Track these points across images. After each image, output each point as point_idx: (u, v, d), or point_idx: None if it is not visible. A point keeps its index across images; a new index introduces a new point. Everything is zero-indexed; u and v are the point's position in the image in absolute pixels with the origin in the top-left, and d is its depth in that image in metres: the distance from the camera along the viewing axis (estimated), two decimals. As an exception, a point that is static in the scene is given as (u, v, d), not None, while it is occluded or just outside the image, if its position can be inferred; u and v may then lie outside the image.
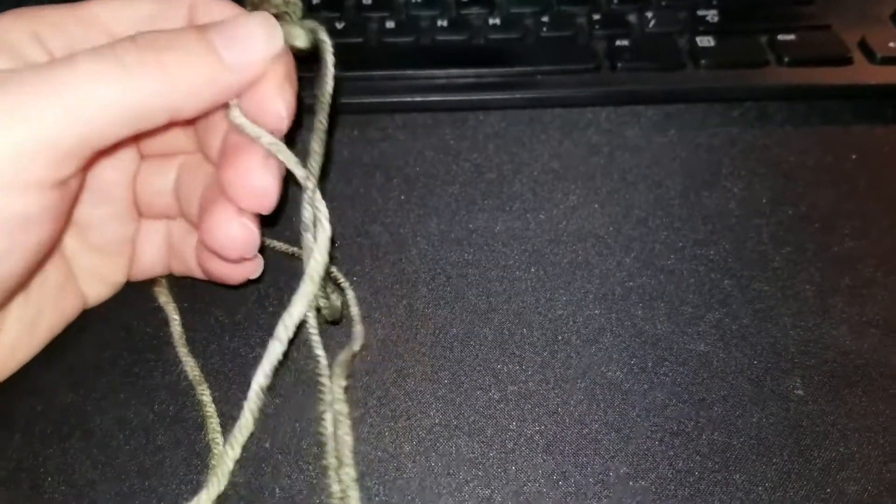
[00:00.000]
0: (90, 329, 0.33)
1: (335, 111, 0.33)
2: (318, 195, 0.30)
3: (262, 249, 0.33)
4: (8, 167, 0.23)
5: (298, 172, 0.30)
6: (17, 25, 0.26)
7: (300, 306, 0.28)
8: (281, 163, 0.29)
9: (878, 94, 0.42)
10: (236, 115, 0.29)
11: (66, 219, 0.28)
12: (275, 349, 0.28)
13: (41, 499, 0.28)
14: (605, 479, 0.28)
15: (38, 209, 0.25)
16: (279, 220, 0.36)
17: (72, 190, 0.26)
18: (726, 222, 0.37)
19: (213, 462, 0.28)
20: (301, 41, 0.29)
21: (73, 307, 0.32)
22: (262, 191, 0.29)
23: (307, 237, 0.29)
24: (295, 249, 0.35)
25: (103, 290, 0.33)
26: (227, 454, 0.28)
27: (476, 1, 0.46)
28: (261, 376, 0.28)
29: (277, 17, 0.29)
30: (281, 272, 0.35)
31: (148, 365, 0.32)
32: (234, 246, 0.30)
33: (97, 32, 0.28)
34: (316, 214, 0.29)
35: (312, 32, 0.30)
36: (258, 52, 0.28)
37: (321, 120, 0.30)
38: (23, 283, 0.29)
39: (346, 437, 0.28)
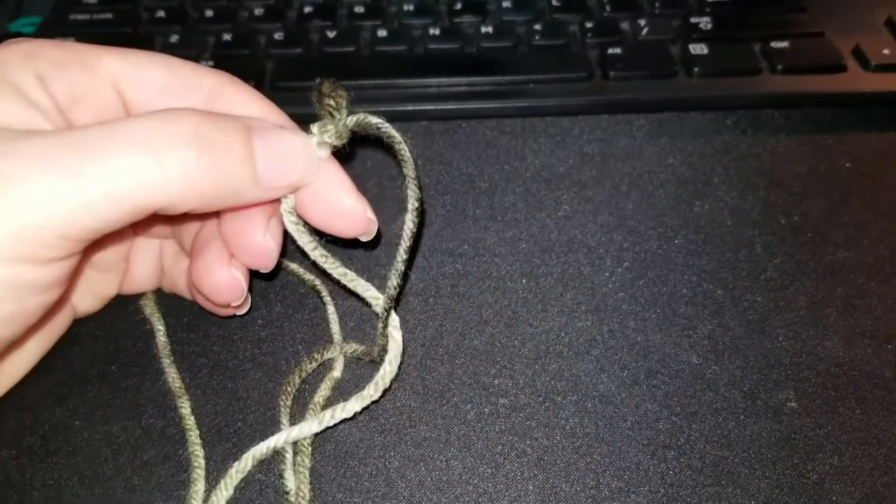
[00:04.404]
0: (78, 344, 0.32)
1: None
2: (394, 317, 0.30)
3: (274, 273, 0.33)
4: (14, 242, 0.22)
5: (370, 300, 0.30)
6: (22, 65, 0.26)
7: (357, 406, 0.29)
8: (282, 224, 0.29)
9: (871, 102, 0.42)
10: (291, 220, 0.29)
11: (71, 281, 0.27)
12: (311, 427, 0.29)
13: (27, 515, 0.27)
14: (596, 494, 0.28)
15: (45, 279, 0.24)
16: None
17: (78, 258, 0.26)
18: (718, 232, 0.36)
19: (194, 479, 0.28)
20: (331, 137, 0.28)
21: (64, 324, 0.32)
22: (264, 251, 0.29)
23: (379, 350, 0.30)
24: (309, 276, 0.35)
25: (94, 303, 0.33)
26: (221, 491, 0.28)
27: (468, 9, 0.46)
28: (280, 440, 0.28)
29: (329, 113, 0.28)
30: (269, 287, 0.35)
31: (135, 380, 0.31)
32: (219, 292, 0.30)
33: (101, 81, 0.27)
34: (388, 338, 0.30)
35: (361, 126, 0.28)
36: (292, 177, 0.27)
37: (405, 244, 0.28)
38: (24, 338, 0.29)
39: (306, 490, 0.28)
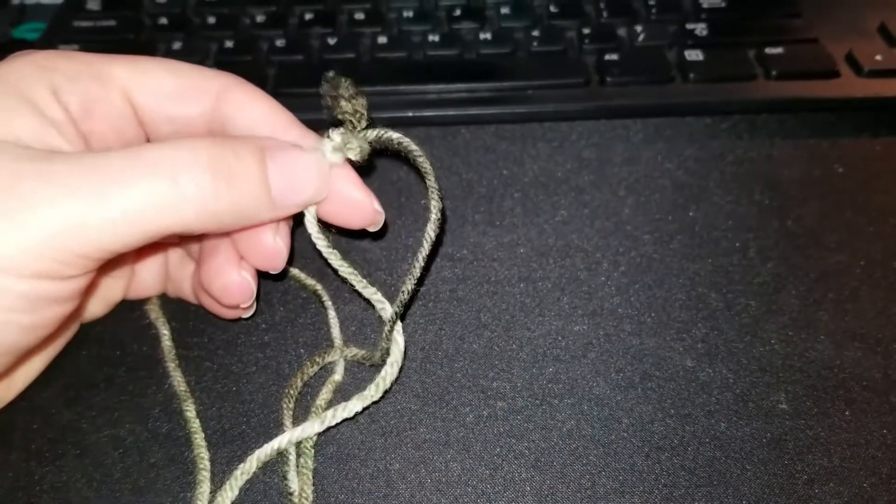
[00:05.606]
0: (86, 348, 0.33)
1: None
2: (398, 327, 0.30)
3: (282, 275, 0.33)
4: (36, 259, 0.23)
5: (378, 305, 0.31)
6: (36, 78, 0.26)
7: (358, 405, 0.30)
8: (290, 226, 0.30)
9: (864, 107, 0.43)
10: (313, 225, 0.29)
11: (89, 292, 0.27)
12: (313, 427, 0.30)
13: (37, 517, 0.28)
14: (592, 495, 0.28)
15: (63, 293, 0.25)
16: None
17: (94, 273, 0.26)
18: (713, 236, 0.37)
19: (199, 481, 0.29)
20: (355, 154, 0.29)
21: (70, 331, 0.33)
22: (274, 252, 0.30)
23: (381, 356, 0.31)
24: (313, 282, 0.36)
25: (101, 308, 0.34)
26: (226, 492, 0.28)
27: (467, 16, 0.47)
28: (284, 440, 0.29)
29: (341, 122, 0.29)
30: (272, 292, 0.36)
31: (142, 383, 0.32)
32: (230, 294, 0.30)
33: (112, 91, 0.28)
34: (391, 346, 0.30)
35: (381, 142, 0.29)
36: (305, 196, 0.28)
37: (424, 251, 0.29)
38: (39, 347, 0.29)
39: (309, 491, 0.29)
